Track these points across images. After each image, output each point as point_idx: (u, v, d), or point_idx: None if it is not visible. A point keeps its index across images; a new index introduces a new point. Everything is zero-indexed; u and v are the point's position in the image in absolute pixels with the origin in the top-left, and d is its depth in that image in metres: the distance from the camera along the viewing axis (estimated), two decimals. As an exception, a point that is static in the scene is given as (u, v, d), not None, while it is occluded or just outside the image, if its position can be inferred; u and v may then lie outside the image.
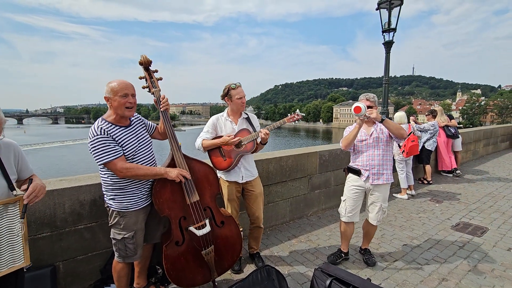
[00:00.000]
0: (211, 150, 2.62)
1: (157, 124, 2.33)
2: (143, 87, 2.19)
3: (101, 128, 1.91)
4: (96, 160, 1.89)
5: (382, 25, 5.75)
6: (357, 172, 2.76)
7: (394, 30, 5.63)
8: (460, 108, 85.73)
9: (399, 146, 5.04)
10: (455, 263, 2.92)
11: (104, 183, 2.04)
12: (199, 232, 2.19)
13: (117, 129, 1.98)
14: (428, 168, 6.00)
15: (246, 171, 2.70)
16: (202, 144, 2.59)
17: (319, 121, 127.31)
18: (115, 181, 1.99)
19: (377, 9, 5.79)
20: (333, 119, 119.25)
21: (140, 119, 2.22)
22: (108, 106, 1.99)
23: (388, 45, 5.74)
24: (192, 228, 2.19)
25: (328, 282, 2.08)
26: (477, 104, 78.67)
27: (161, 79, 2.22)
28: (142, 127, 2.20)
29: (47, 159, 42.36)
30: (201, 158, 2.48)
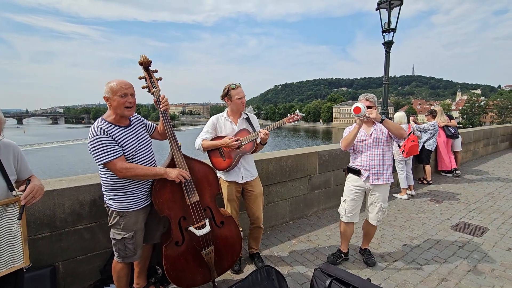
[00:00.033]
0: (210, 150, 2.62)
1: (157, 125, 2.33)
2: (143, 87, 2.19)
3: (101, 128, 1.91)
4: (95, 160, 1.89)
5: (382, 25, 5.75)
6: (357, 172, 2.76)
7: (394, 30, 5.63)
8: (460, 108, 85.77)
9: (399, 146, 5.04)
10: (455, 263, 2.92)
11: (104, 183, 2.04)
12: (199, 232, 2.19)
13: (117, 129, 1.97)
14: (428, 168, 6.00)
15: (246, 171, 2.69)
16: (202, 145, 2.59)
17: (319, 121, 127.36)
18: (115, 181, 1.99)
19: (377, 9, 5.79)
20: (333, 119, 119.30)
21: (139, 119, 2.22)
22: (107, 106, 1.99)
23: (388, 45, 5.75)
24: (192, 228, 2.19)
25: (328, 282, 2.08)
26: (477, 104, 78.71)
27: (160, 79, 2.22)
28: (142, 127, 2.20)
29: (46, 159, 42.35)
30: (201, 158, 2.48)
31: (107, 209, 2.09)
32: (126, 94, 1.94)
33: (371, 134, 2.72)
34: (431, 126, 5.93)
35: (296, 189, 4.02)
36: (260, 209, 2.80)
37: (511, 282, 2.60)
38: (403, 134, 2.59)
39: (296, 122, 2.65)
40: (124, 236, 2.05)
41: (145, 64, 2.16)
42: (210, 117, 2.78)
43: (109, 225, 2.09)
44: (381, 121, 2.53)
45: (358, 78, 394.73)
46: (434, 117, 6.17)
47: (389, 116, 6.42)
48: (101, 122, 1.95)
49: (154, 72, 2.22)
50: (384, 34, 5.74)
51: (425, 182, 5.99)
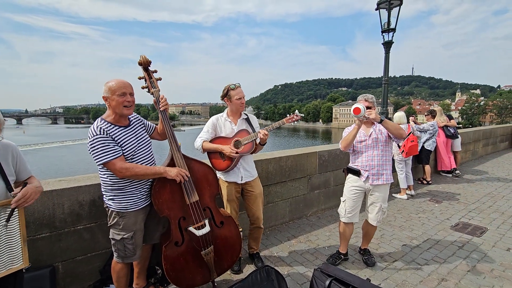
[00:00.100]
0: (210, 151, 2.62)
1: (156, 125, 2.33)
2: (143, 87, 2.19)
3: (101, 128, 1.91)
4: (95, 160, 1.89)
5: (381, 25, 5.76)
6: (357, 173, 2.76)
7: (394, 30, 5.64)
8: (460, 108, 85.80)
9: (399, 146, 5.04)
10: (454, 263, 2.92)
11: (103, 183, 2.04)
12: (199, 232, 2.19)
13: (116, 129, 1.97)
14: (427, 168, 6.00)
15: (246, 171, 2.70)
16: (202, 146, 2.59)
17: (318, 121, 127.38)
18: (115, 181, 1.99)
19: (376, 9, 5.79)
20: (333, 119, 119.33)
21: (139, 119, 2.22)
22: (106, 106, 1.99)
23: (387, 45, 5.75)
24: (191, 228, 2.19)
25: (327, 282, 2.08)
26: (476, 104, 78.75)
27: (160, 79, 2.22)
28: (142, 127, 2.20)
29: (46, 159, 42.32)
30: (200, 158, 2.48)
31: (107, 209, 2.09)
32: (125, 93, 1.94)
33: (371, 134, 2.72)
34: (431, 126, 5.93)
35: (296, 189, 4.02)
36: (260, 209, 2.80)
37: (510, 282, 2.60)
38: (402, 134, 2.59)
39: (295, 122, 2.65)
40: (124, 237, 2.05)
41: (145, 64, 2.16)
42: (210, 117, 2.78)
43: (109, 225, 2.09)
44: (381, 122, 2.53)
45: (358, 78, 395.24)
46: (433, 117, 6.18)
47: (389, 116, 6.43)
48: (100, 122, 1.95)
49: (153, 72, 2.22)
50: (383, 34, 5.74)
51: (425, 182, 6.00)
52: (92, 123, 2.04)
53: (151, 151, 2.20)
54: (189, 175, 2.15)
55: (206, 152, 2.65)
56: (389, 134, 2.66)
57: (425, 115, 6.33)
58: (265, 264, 2.85)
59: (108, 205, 2.06)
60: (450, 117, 6.91)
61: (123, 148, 1.97)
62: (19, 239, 1.50)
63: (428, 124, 5.98)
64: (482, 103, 78.54)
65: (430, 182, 5.97)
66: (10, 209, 1.45)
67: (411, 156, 5.20)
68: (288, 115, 2.59)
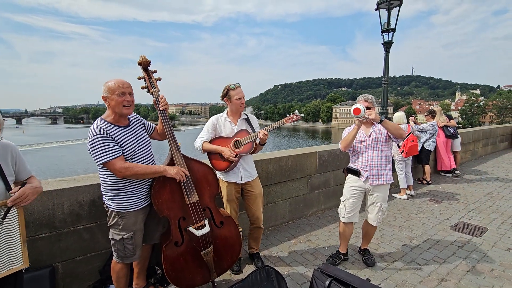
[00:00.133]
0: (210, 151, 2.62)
1: (156, 125, 2.33)
2: (142, 88, 2.19)
3: (100, 128, 1.91)
4: (95, 160, 1.89)
5: (381, 25, 5.76)
6: (357, 173, 2.76)
7: (393, 30, 5.64)
8: (459, 108, 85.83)
9: (398, 146, 5.04)
10: (454, 263, 2.92)
11: (103, 183, 2.04)
12: (199, 233, 2.19)
13: (116, 129, 1.97)
14: (427, 168, 6.00)
15: (245, 171, 2.70)
16: (202, 147, 2.60)
17: (318, 121, 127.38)
18: (114, 181, 1.99)
19: (376, 9, 5.80)
20: (333, 119, 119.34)
21: (139, 119, 2.22)
22: (106, 106, 1.99)
23: (387, 45, 5.75)
24: (191, 229, 2.19)
25: (327, 282, 2.08)
26: (476, 104, 78.76)
27: (160, 79, 2.22)
28: (141, 127, 2.20)
29: (46, 159, 42.29)
30: (200, 158, 2.48)
31: (106, 209, 2.08)
32: (124, 93, 1.94)
33: (370, 134, 2.72)
34: (431, 126, 5.94)
35: (296, 189, 4.02)
36: (260, 209, 2.80)
37: (510, 282, 2.61)
38: (402, 134, 2.59)
39: (295, 122, 2.65)
40: (123, 237, 2.05)
41: (144, 65, 2.16)
42: (210, 117, 2.78)
43: (108, 225, 2.09)
44: (380, 122, 2.53)
45: (358, 78, 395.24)
46: (433, 117, 6.18)
47: (389, 116, 6.43)
48: (100, 122, 1.95)
49: (153, 73, 2.22)
50: (383, 34, 5.74)
51: (425, 182, 6.00)
52: (91, 123, 2.04)
53: (151, 151, 2.20)
54: (188, 174, 2.15)
55: (206, 152, 2.65)
56: (389, 134, 2.66)
57: (425, 115, 6.33)
58: (265, 264, 2.85)
59: (108, 205, 2.05)
60: (450, 117, 6.92)
61: (123, 148, 1.97)
62: (19, 240, 1.50)
63: (428, 124, 5.98)
64: (481, 103, 78.56)
65: (430, 182, 5.98)
66: (6, 208, 1.45)
67: (411, 156, 5.20)
68: (288, 115, 2.59)
